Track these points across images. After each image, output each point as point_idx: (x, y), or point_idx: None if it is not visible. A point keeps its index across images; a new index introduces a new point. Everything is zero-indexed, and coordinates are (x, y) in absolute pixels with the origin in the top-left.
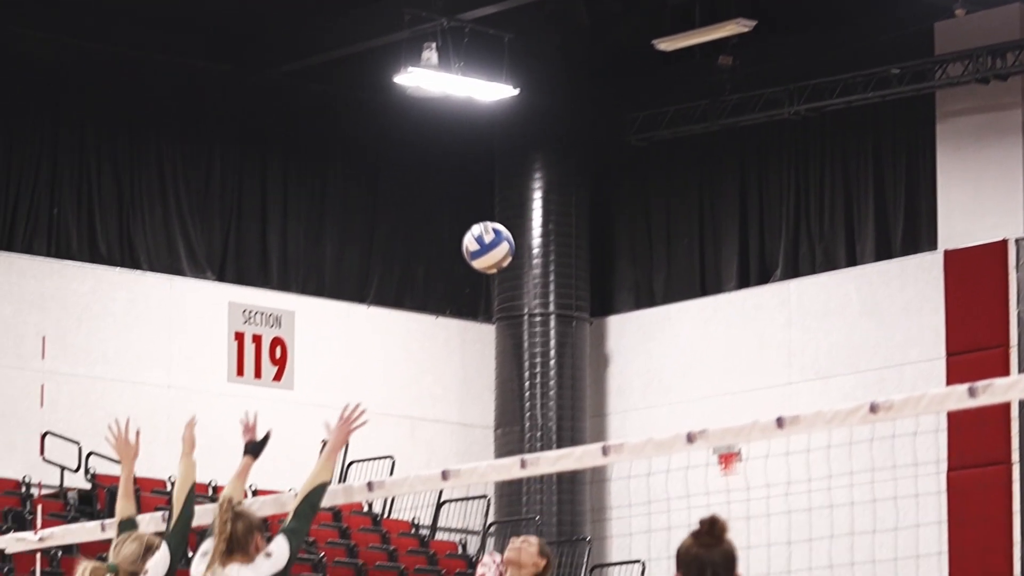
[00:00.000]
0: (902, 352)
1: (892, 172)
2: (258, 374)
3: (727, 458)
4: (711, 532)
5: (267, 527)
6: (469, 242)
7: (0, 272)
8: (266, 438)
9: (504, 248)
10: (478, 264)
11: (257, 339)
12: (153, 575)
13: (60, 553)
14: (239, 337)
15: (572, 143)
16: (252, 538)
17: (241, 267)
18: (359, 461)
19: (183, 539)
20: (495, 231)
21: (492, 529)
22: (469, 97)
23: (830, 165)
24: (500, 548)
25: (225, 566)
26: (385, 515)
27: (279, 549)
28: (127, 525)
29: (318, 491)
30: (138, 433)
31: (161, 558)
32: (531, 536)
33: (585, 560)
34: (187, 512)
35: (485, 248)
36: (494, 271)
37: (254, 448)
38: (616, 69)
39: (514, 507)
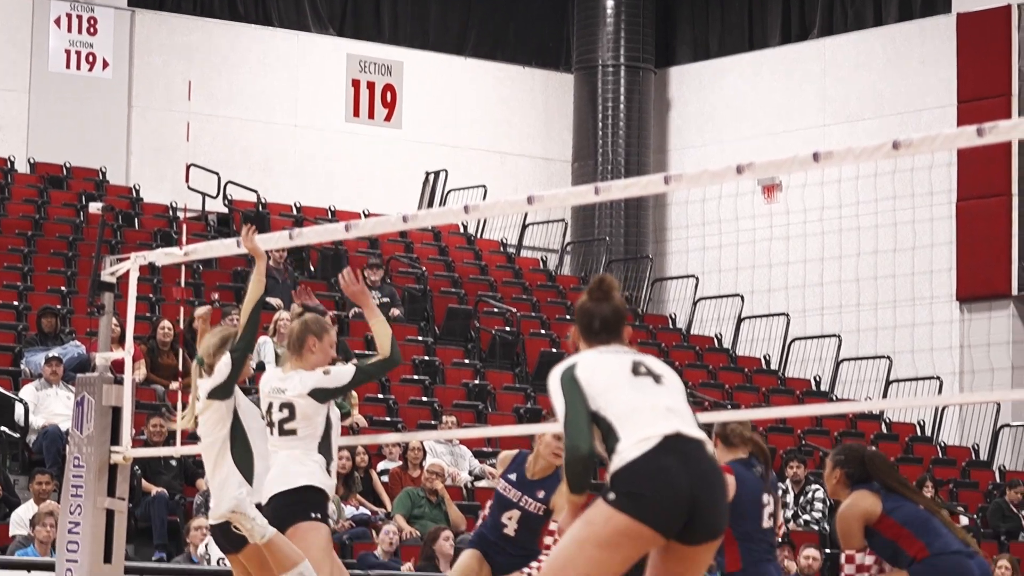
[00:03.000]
0: (920, 99)
1: None
2: (371, 115)
3: (769, 188)
4: (600, 288)
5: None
6: None
7: (153, 28)
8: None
9: None
10: None
11: (371, 85)
12: (218, 377)
13: (201, 267)
14: (355, 84)
15: None
16: (305, 340)
17: (358, 23)
18: (456, 189)
19: (243, 356)
20: None
21: (569, 248)
22: None
23: None
24: (575, 264)
25: (288, 361)
26: (478, 235)
27: (341, 372)
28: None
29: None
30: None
31: (223, 366)
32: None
33: (647, 275)
34: (248, 333)
35: None
36: None
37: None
38: None
39: (588, 229)
